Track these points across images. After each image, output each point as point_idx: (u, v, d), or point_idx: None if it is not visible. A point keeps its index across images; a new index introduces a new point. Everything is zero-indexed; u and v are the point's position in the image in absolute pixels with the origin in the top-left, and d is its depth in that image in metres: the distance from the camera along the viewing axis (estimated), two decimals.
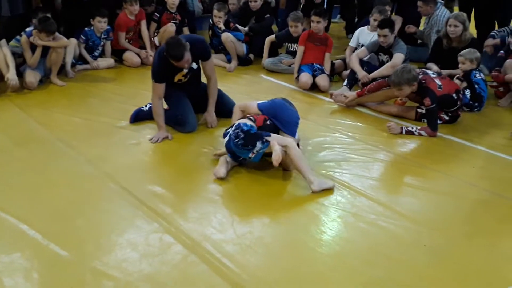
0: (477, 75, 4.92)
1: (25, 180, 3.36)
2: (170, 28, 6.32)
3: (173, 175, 3.50)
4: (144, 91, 5.24)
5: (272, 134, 3.41)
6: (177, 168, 3.61)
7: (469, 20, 6.13)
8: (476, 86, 4.89)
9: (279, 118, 3.65)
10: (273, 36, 6.29)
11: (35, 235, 2.75)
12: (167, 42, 3.94)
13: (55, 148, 3.87)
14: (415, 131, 4.29)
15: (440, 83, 4.43)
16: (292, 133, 3.63)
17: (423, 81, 4.38)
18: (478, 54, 4.97)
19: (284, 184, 3.41)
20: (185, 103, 4.24)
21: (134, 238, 2.75)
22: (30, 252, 2.62)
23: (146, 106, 4.45)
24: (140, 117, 4.40)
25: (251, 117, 3.58)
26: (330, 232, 2.90)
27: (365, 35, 5.97)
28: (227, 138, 3.44)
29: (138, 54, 6.21)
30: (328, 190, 3.29)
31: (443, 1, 7.41)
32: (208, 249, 2.68)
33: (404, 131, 4.31)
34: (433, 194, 3.41)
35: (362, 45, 5.82)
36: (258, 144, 3.34)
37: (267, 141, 3.33)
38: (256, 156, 3.40)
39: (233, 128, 3.43)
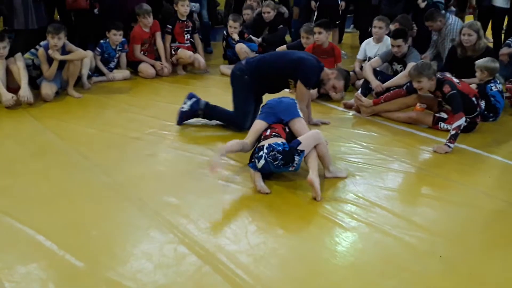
0: (493, 87, 4.86)
1: (41, 191, 3.40)
2: (186, 52, 6.35)
3: (188, 186, 3.51)
4: (159, 102, 5.31)
5: (299, 138, 3.49)
6: (192, 178, 3.63)
7: (485, 30, 6.11)
8: (491, 98, 4.84)
9: (279, 112, 3.72)
10: (284, 46, 6.32)
11: (51, 245, 2.77)
12: None
13: (71, 159, 3.91)
14: (453, 130, 4.11)
15: (458, 81, 4.49)
16: (297, 114, 3.73)
17: (441, 77, 4.44)
18: (493, 64, 4.90)
19: (298, 195, 3.40)
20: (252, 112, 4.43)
21: (149, 249, 2.76)
22: (46, 263, 2.64)
23: (185, 104, 4.59)
24: (186, 117, 4.60)
25: (275, 133, 3.58)
26: (345, 243, 2.89)
27: (371, 47, 5.98)
28: (262, 162, 3.41)
29: (153, 66, 6.27)
30: (342, 198, 3.34)
31: (454, 10, 7.40)
32: (222, 260, 2.68)
33: (451, 145, 4.12)
34: (448, 204, 3.38)
35: (370, 58, 5.84)
36: (296, 157, 3.41)
37: (302, 151, 3.42)
38: (296, 168, 3.46)
39: (266, 151, 3.42)
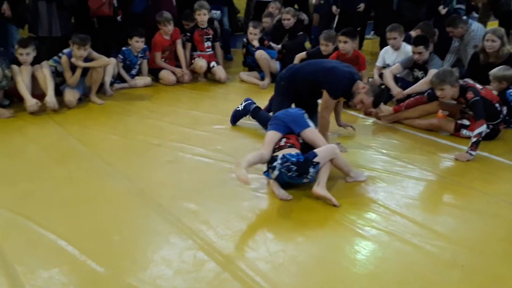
0: None
1: (63, 196, 3.45)
2: (200, 62, 6.39)
3: (207, 192, 3.53)
4: (179, 108, 5.36)
5: (316, 151, 3.47)
6: (211, 185, 3.64)
7: (508, 36, 6.03)
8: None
9: (289, 123, 3.71)
10: (303, 53, 6.29)
11: (73, 251, 2.80)
12: None
13: (93, 165, 3.97)
14: (474, 137, 4.08)
15: (481, 87, 4.46)
16: (306, 125, 3.71)
17: (464, 84, 4.40)
18: (508, 72, 4.83)
19: (317, 202, 3.39)
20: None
21: (169, 255, 2.78)
22: (68, 268, 2.68)
23: (241, 105, 4.85)
24: (238, 117, 4.84)
25: (289, 144, 3.57)
26: (364, 251, 2.87)
27: (390, 55, 5.95)
28: (276, 172, 3.41)
29: (173, 73, 6.33)
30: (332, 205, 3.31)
31: (476, 16, 7.33)
32: (241, 267, 2.68)
33: (473, 153, 4.08)
34: (470, 213, 3.33)
35: (388, 65, 5.81)
36: (311, 169, 3.40)
37: (317, 163, 3.41)
38: (311, 180, 3.45)
39: (280, 161, 3.41)
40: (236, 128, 4.83)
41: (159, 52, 6.30)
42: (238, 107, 4.87)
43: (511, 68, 4.88)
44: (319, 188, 3.33)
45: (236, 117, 4.87)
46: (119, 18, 6.36)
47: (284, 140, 3.62)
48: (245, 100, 4.90)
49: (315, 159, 3.41)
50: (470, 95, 4.27)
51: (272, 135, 3.68)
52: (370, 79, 5.93)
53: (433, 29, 6.22)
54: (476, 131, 4.09)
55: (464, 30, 6.04)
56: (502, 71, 4.83)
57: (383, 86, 5.52)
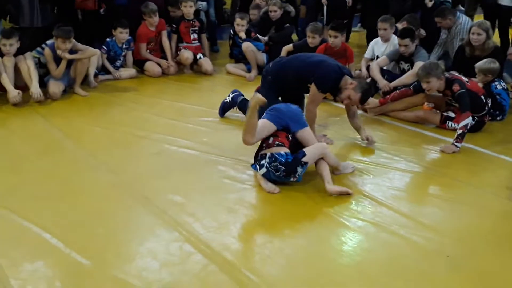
0: (498, 86, 4.84)
1: (47, 189, 3.41)
2: (186, 54, 6.35)
3: (193, 184, 3.51)
4: (164, 100, 5.32)
5: (305, 150, 3.44)
6: (197, 177, 3.62)
7: (493, 29, 6.06)
8: (497, 96, 4.82)
9: (287, 119, 3.61)
10: (290, 45, 6.27)
11: (58, 243, 2.78)
12: None
13: (77, 157, 3.92)
14: (460, 129, 4.10)
15: (467, 80, 4.48)
16: (304, 124, 3.67)
17: (450, 76, 4.43)
18: (493, 65, 4.85)
19: (305, 194, 3.39)
20: None
21: (155, 247, 2.76)
22: (53, 261, 2.66)
23: (228, 97, 4.84)
24: (226, 109, 4.84)
25: (278, 142, 3.49)
26: (351, 243, 2.87)
27: (379, 46, 5.95)
28: (264, 170, 3.39)
29: (159, 64, 6.27)
30: (346, 195, 3.35)
31: (463, 9, 7.36)
32: (228, 258, 2.67)
33: (458, 145, 4.10)
34: (456, 204, 3.35)
35: (377, 57, 5.82)
36: (299, 169, 3.39)
37: (306, 163, 3.40)
38: (298, 179, 3.44)
39: (268, 160, 3.38)
40: (223, 120, 4.81)
41: (144, 43, 6.24)
42: (226, 99, 4.86)
43: (496, 61, 4.90)
44: (333, 186, 3.35)
45: (224, 108, 4.85)
46: (102, 11, 6.28)
47: (272, 138, 3.53)
48: (233, 92, 4.89)
49: (304, 159, 3.39)
50: (456, 87, 4.29)
51: (269, 127, 3.54)
52: (357, 71, 5.93)
53: (419, 21, 6.23)
54: (462, 123, 4.12)
55: (452, 22, 6.06)
56: (487, 64, 4.85)
57: (369, 79, 5.53)
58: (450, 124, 4.60)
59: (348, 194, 3.34)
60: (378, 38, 6.02)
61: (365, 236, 2.95)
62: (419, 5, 7.08)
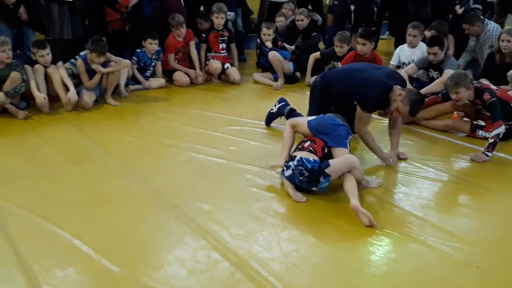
0: None
1: (79, 197, 3.48)
2: (215, 64, 6.42)
3: (221, 192, 3.54)
4: (192, 110, 5.38)
5: (330, 161, 3.40)
6: (225, 185, 3.66)
7: None
8: None
9: (327, 133, 3.59)
10: (317, 53, 6.30)
11: (88, 250, 2.84)
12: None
13: (108, 166, 4.00)
14: (492, 138, 4.06)
15: (496, 88, 4.43)
16: (343, 145, 3.55)
17: (479, 86, 4.36)
18: None
19: (331, 204, 3.38)
20: None
21: (182, 255, 2.80)
22: (83, 267, 2.71)
23: (274, 107, 4.86)
24: (272, 118, 4.86)
25: (311, 149, 3.49)
26: (378, 253, 2.86)
27: (405, 52, 5.92)
28: (290, 172, 3.42)
29: (187, 74, 6.36)
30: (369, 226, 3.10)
31: (493, 17, 7.25)
32: (255, 267, 2.69)
33: (489, 154, 4.05)
34: (486, 214, 3.30)
35: (404, 63, 5.78)
36: (321, 179, 3.37)
37: (328, 175, 3.35)
38: (320, 189, 3.41)
39: (296, 162, 3.40)
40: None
41: (172, 54, 6.33)
42: (272, 109, 4.85)
43: None
44: (358, 204, 3.13)
45: (270, 118, 4.85)
46: (127, 28, 6.41)
47: (309, 142, 3.55)
48: (279, 101, 4.88)
49: (327, 170, 3.36)
50: (486, 96, 4.23)
51: (305, 127, 3.67)
52: None
53: (447, 28, 6.17)
54: (494, 132, 4.06)
55: (480, 29, 5.99)
56: None
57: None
58: (480, 133, 4.53)
59: (370, 225, 3.06)
60: (404, 45, 6.00)
61: (392, 246, 2.93)
62: (449, 11, 7.03)
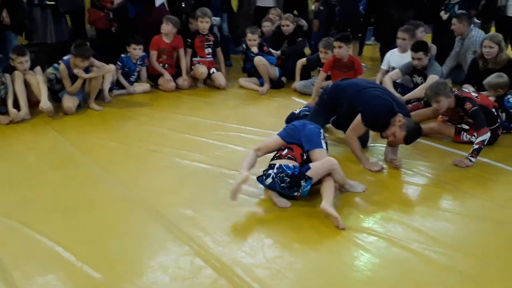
0: (511, 99, 4.80)
1: (60, 203, 3.44)
2: (201, 69, 6.41)
3: (205, 198, 3.52)
4: (177, 115, 5.36)
5: (310, 164, 3.41)
6: (209, 191, 3.63)
7: (506, 42, 6.04)
8: (510, 110, 4.77)
9: (302, 137, 3.60)
10: (304, 59, 6.33)
11: (70, 257, 2.80)
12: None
13: (91, 171, 3.96)
14: (477, 144, 4.09)
15: (476, 95, 4.46)
16: (319, 145, 3.56)
17: (459, 94, 4.41)
18: (501, 79, 4.83)
19: (315, 209, 3.36)
20: None
21: (165, 261, 2.77)
22: (64, 274, 2.67)
23: (298, 109, 4.83)
24: (293, 119, 4.59)
25: (290, 156, 3.50)
26: (362, 258, 2.85)
27: (396, 57, 5.95)
28: (270, 180, 3.40)
29: (173, 80, 6.32)
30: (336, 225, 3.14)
31: (479, 22, 7.33)
32: (238, 273, 2.67)
33: (473, 160, 4.08)
34: (469, 219, 3.32)
35: (393, 68, 5.80)
36: (302, 183, 3.36)
37: (310, 178, 3.35)
38: (302, 193, 3.40)
39: (275, 170, 3.39)
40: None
41: (154, 51, 6.26)
42: (296, 110, 4.80)
43: (504, 75, 4.88)
44: (327, 206, 3.16)
45: (291, 119, 4.66)
46: (113, 29, 6.38)
47: (286, 150, 3.56)
48: (304, 107, 4.90)
49: (308, 173, 3.35)
50: (468, 105, 4.26)
51: (276, 142, 3.63)
52: None
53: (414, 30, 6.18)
54: (479, 139, 4.09)
55: (465, 28, 6.10)
56: (495, 79, 4.84)
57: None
58: (464, 135, 4.56)
59: (337, 225, 3.11)
60: (395, 49, 6.02)
61: (376, 251, 2.92)
62: (433, 17, 7.10)
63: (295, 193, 3.41)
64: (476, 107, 4.25)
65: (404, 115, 3.93)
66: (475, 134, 4.27)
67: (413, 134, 3.86)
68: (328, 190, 3.32)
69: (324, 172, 3.39)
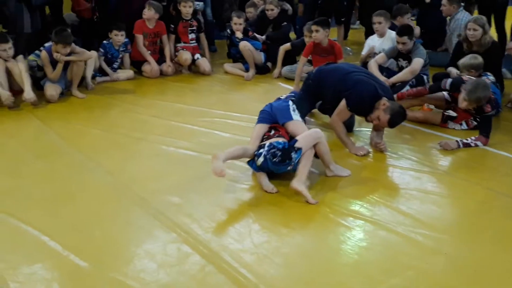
0: (486, 80, 4.77)
1: (45, 192, 3.40)
2: (185, 55, 6.35)
3: (191, 185, 3.50)
4: (162, 101, 5.32)
5: (297, 137, 3.46)
6: (195, 177, 3.62)
7: (490, 24, 6.06)
8: None
9: (273, 114, 3.68)
10: (288, 44, 6.28)
11: (55, 246, 2.78)
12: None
13: (75, 160, 3.92)
14: (471, 142, 4.15)
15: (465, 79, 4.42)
16: (289, 117, 3.64)
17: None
18: (475, 60, 4.84)
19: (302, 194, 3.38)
20: None
21: (152, 248, 2.76)
22: (51, 263, 2.66)
23: (282, 96, 4.57)
24: None
25: (278, 135, 3.56)
26: (349, 241, 2.87)
27: (375, 42, 5.96)
28: (261, 159, 3.41)
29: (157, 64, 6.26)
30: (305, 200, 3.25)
31: (463, 4, 7.34)
32: (226, 259, 2.67)
33: (461, 145, 4.12)
34: (454, 201, 3.35)
35: (374, 53, 5.80)
36: (293, 155, 3.38)
37: (299, 148, 3.38)
38: (294, 166, 3.42)
39: (267, 148, 3.41)
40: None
41: (139, 34, 6.18)
42: (281, 96, 4.59)
43: (478, 57, 4.88)
44: (297, 182, 3.27)
45: None
46: (95, 18, 6.30)
47: (273, 131, 3.62)
48: (291, 93, 4.76)
49: (296, 144, 3.39)
50: (488, 108, 4.20)
51: (259, 129, 3.65)
52: None
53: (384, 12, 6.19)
54: (476, 142, 4.15)
55: (454, 10, 6.12)
56: (468, 60, 4.84)
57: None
58: (451, 124, 4.58)
59: (307, 201, 3.23)
60: (374, 35, 6.02)
61: (363, 234, 2.95)
62: (417, 2, 7.10)
63: (289, 167, 3.41)
64: (493, 112, 4.23)
65: (389, 99, 3.94)
66: (463, 123, 4.26)
67: (397, 117, 3.87)
68: (303, 167, 3.36)
69: (311, 142, 3.44)
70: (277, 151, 3.37)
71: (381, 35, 5.90)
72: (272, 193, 3.37)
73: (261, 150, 3.44)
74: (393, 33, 5.65)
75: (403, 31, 5.29)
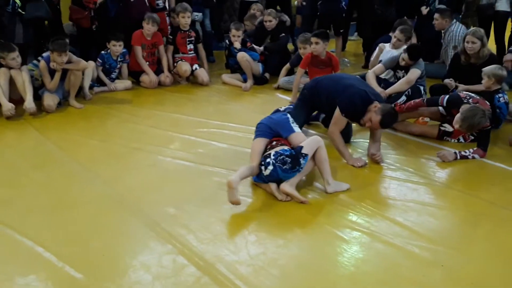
0: (501, 99, 4.71)
1: (41, 202, 3.39)
2: (184, 66, 6.36)
3: (188, 196, 3.49)
4: (160, 112, 5.31)
5: (301, 144, 3.52)
6: (192, 188, 3.61)
7: (488, 36, 6.09)
8: (497, 110, 4.69)
9: (274, 128, 3.71)
10: (287, 65, 6.27)
11: (50, 257, 2.76)
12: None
13: (72, 170, 3.90)
14: (469, 155, 4.15)
15: (476, 101, 4.37)
16: (291, 129, 3.69)
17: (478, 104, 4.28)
18: (501, 72, 4.76)
19: (299, 205, 3.37)
20: None
21: (148, 260, 2.75)
22: (45, 275, 2.64)
23: (282, 108, 4.57)
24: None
25: (282, 144, 3.60)
26: (346, 253, 2.86)
27: (386, 52, 5.96)
28: (270, 168, 3.43)
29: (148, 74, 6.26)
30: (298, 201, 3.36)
31: (459, 16, 7.38)
32: (222, 270, 2.66)
33: (458, 157, 4.12)
34: (451, 213, 3.35)
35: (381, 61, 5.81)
36: (301, 161, 3.44)
37: (306, 154, 3.45)
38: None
39: (273, 157, 3.45)
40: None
41: (138, 46, 6.19)
42: (281, 108, 4.59)
43: (504, 70, 4.86)
44: (287, 185, 3.38)
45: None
46: (94, 27, 6.31)
47: (275, 142, 3.64)
48: (290, 105, 4.79)
49: (303, 151, 3.45)
50: (487, 123, 4.15)
51: (259, 144, 3.65)
52: None
53: (412, 30, 6.25)
54: (474, 155, 4.15)
55: (447, 24, 6.17)
56: (494, 69, 4.75)
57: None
58: (447, 139, 4.57)
59: (301, 202, 3.36)
60: (387, 44, 6.05)
61: (359, 246, 2.93)
62: (414, 12, 7.14)
63: (297, 173, 3.45)
64: (490, 127, 4.21)
65: (379, 101, 3.99)
66: (460, 138, 4.27)
67: (388, 117, 3.91)
68: (325, 167, 3.52)
69: (314, 148, 3.51)
70: (286, 158, 3.42)
71: (396, 47, 5.92)
72: (287, 201, 3.39)
73: (267, 160, 3.46)
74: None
75: (415, 56, 5.22)
